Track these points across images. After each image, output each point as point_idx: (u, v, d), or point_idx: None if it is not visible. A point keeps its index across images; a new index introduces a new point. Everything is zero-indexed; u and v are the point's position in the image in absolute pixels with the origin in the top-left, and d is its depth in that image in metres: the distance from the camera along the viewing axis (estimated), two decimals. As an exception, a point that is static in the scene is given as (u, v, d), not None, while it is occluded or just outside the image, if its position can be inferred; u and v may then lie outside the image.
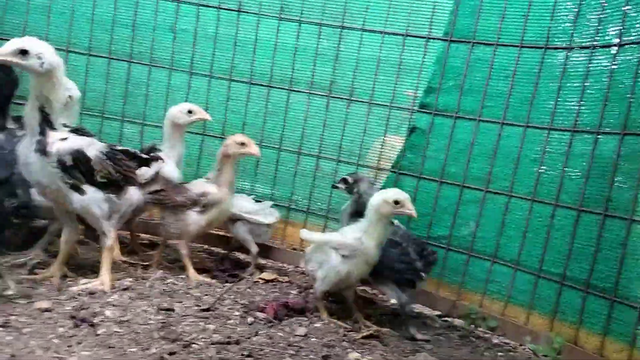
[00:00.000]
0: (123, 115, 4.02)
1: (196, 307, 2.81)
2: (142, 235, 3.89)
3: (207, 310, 2.80)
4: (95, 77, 4.00)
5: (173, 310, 2.71)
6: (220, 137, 4.01)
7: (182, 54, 3.99)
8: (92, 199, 2.76)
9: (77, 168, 2.69)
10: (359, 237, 2.93)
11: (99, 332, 2.36)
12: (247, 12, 3.91)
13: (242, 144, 3.32)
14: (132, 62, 3.99)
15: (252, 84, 3.98)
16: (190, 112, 3.50)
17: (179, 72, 4.00)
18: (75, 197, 2.70)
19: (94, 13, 3.94)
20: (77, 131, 2.83)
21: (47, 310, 2.47)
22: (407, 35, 3.68)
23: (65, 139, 2.69)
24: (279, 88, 3.97)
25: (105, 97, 4.01)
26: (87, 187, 2.73)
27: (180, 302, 2.85)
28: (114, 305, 2.66)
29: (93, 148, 2.77)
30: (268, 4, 3.89)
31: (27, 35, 2.64)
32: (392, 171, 3.78)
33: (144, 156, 3.08)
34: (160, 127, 3.63)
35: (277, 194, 4.03)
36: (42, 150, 2.59)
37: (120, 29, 3.97)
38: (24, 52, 2.54)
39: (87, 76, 3.98)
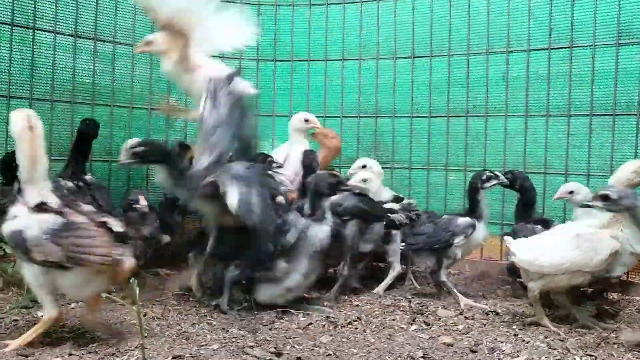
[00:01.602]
0: (466, 165, 4.35)
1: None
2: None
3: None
4: (436, 135, 4.46)
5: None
6: (561, 174, 4.02)
7: (515, 99, 4.17)
8: None
9: None
10: None
11: (502, 365, 2.57)
12: (581, 46, 3.90)
13: None
14: (469, 115, 4.33)
15: (593, 115, 3.90)
16: None
17: (515, 118, 4.17)
18: None
19: (432, 79, 4.44)
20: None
21: (449, 345, 2.80)
22: None
23: None
24: (624, 115, 3.80)
25: (448, 151, 4.41)
26: None
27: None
28: (501, 342, 2.85)
29: None
30: (603, 34, 3.83)
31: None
32: None
33: None
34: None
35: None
36: None
37: (455, 88, 4.36)
38: None
39: (430, 135, 4.46)
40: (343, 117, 4.73)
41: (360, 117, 4.69)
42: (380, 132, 4.61)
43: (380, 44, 4.61)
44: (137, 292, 2.03)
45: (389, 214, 3.66)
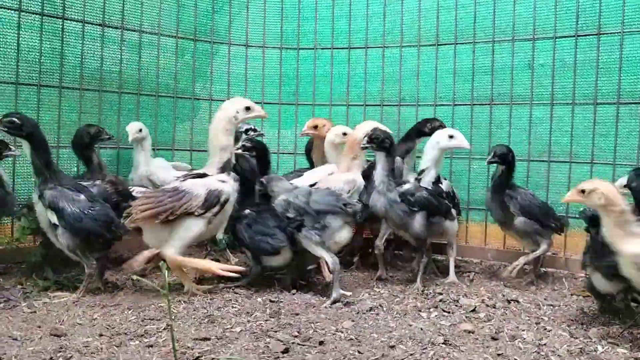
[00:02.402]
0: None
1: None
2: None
3: None
4: (460, 124, 4.43)
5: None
6: (587, 163, 3.98)
7: (540, 87, 4.13)
8: None
9: None
10: None
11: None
12: (608, 34, 3.83)
13: None
14: (493, 104, 4.30)
15: (620, 103, 3.84)
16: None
17: (540, 106, 4.13)
18: None
19: (456, 67, 4.42)
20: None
21: (470, 332, 2.81)
22: None
23: None
24: (653, 103, 3.74)
25: (471, 140, 4.38)
26: None
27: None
28: (523, 330, 2.85)
29: None
30: (629, 20, 3.76)
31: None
32: None
33: None
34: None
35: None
36: None
37: (480, 76, 4.33)
38: None
39: (454, 124, 4.43)
40: (366, 105, 4.73)
41: (383, 105, 4.69)
42: (403, 121, 4.60)
43: (404, 32, 4.59)
44: (167, 275, 2.09)
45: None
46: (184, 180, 3.30)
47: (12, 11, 3.76)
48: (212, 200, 3.21)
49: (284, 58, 4.91)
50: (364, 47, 4.73)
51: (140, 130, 4.08)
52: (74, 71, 4.08)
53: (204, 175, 3.31)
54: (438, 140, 3.70)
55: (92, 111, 4.17)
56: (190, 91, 4.69)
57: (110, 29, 4.22)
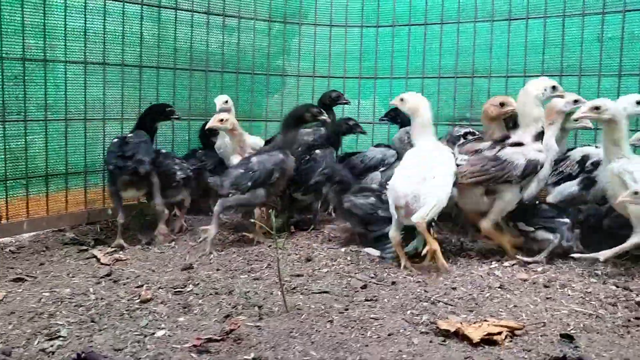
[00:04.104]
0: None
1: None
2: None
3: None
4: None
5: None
6: None
7: (609, 59, 4.33)
8: None
9: None
10: None
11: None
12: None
13: None
14: (562, 75, 4.54)
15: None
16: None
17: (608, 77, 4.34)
18: None
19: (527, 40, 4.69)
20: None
21: (525, 280, 3.23)
22: None
23: None
24: None
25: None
26: None
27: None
28: (573, 282, 3.22)
29: None
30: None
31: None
32: None
33: None
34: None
35: None
36: None
37: (550, 49, 4.58)
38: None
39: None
40: (440, 77, 5.09)
41: (457, 77, 5.03)
42: (476, 92, 4.94)
43: (478, 7, 4.88)
44: (275, 226, 2.71)
45: None
46: (501, 148, 3.54)
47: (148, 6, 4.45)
48: (530, 169, 3.48)
49: (365, 35, 5.35)
50: (440, 23, 5.07)
51: (227, 102, 4.53)
52: (185, 54, 4.76)
53: (520, 144, 3.54)
54: (625, 106, 3.58)
55: (199, 88, 4.86)
56: (281, 68, 5.27)
57: (213, 15, 4.85)
